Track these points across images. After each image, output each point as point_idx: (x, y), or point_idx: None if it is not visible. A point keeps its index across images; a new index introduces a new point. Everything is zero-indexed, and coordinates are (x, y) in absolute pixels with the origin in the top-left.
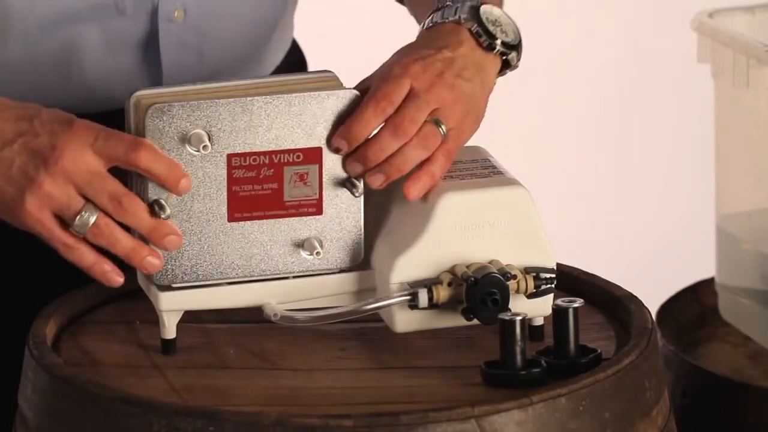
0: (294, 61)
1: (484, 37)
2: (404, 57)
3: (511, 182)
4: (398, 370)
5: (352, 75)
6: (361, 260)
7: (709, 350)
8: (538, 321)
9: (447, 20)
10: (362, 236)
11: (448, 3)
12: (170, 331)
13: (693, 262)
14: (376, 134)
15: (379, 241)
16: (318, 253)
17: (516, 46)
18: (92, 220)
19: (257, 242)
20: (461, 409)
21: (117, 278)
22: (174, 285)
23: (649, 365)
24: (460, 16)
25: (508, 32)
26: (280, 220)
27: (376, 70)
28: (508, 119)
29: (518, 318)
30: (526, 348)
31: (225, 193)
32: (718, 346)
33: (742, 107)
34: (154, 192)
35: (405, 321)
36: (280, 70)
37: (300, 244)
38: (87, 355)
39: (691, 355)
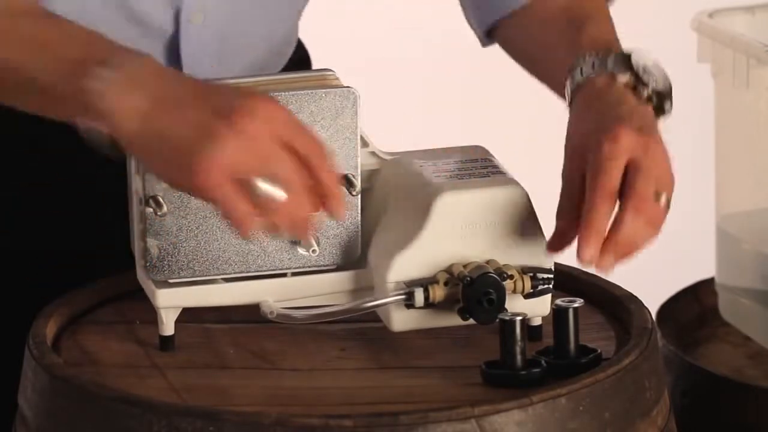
0: (299, 58)
1: (641, 90)
2: (600, 126)
3: (509, 182)
4: (398, 370)
5: (354, 73)
6: (357, 258)
7: (709, 350)
8: (536, 321)
9: (600, 74)
10: (359, 234)
11: (587, 55)
12: (168, 328)
13: (693, 262)
14: (618, 222)
15: (376, 240)
16: (314, 251)
17: (668, 94)
18: (270, 193)
19: (254, 239)
20: (461, 409)
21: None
22: (171, 281)
23: (649, 365)
24: (613, 69)
25: (658, 79)
26: None
27: (571, 152)
28: (509, 119)
29: (518, 318)
30: (525, 348)
31: None
32: (718, 346)
33: (742, 107)
34: (151, 188)
35: (402, 320)
36: (286, 68)
37: (297, 241)
38: (87, 355)
39: (691, 355)
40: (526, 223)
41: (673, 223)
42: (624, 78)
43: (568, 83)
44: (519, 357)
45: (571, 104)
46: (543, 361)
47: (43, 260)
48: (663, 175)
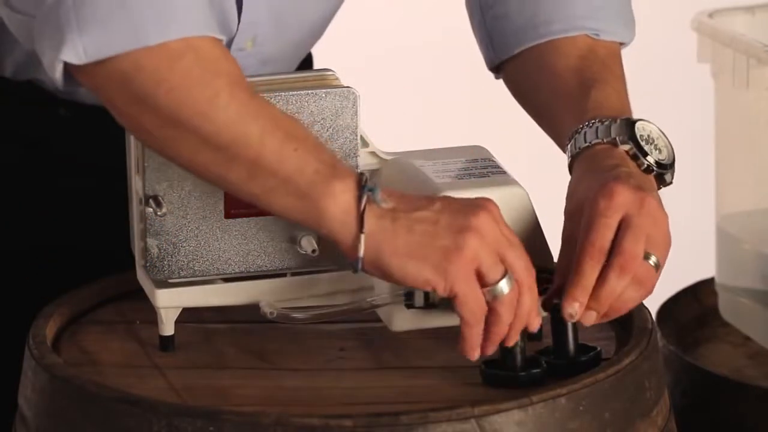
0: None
1: (641, 159)
2: (597, 185)
3: (510, 182)
4: (398, 370)
5: (354, 73)
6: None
7: (709, 350)
8: None
9: (603, 141)
10: None
11: (591, 121)
12: (168, 328)
13: (693, 262)
14: (602, 279)
15: None
16: (315, 251)
17: (670, 165)
18: (507, 289)
19: (254, 239)
20: (461, 409)
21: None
22: (171, 281)
23: (649, 365)
24: (616, 138)
25: (661, 149)
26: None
27: (570, 213)
28: (509, 119)
29: None
30: (525, 348)
31: (222, 190)
32: (718, 346)
33: (742, 107)
34: (151, 188)
35: (402, 320)
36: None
37: (297, 241)
38: (87, 355)
39: (691, 355)
40: (526, 223)
41: (673, 223)
42: (625, 147)
43: (569, 147)
44: (519, 357)
45: (572, 167)
46: (543, 361)
47: (43, 260)
48: (656, 235)
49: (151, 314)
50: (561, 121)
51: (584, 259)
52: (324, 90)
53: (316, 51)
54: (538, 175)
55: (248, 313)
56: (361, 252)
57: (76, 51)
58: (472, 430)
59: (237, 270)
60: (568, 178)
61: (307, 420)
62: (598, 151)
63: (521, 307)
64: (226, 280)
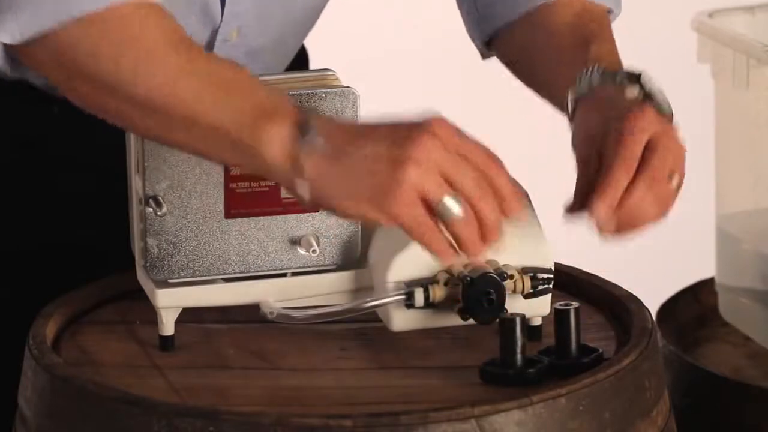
0: (297, 57)
1: (658, 104)
2: (616, 113)
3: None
4: (398, 370)
5: (354, 73)
6: (357, 258)
7: (709, 350)
8: (536, 321)
9: (602, 86)
10: (359, 234)
11: (594, 67)
12: (168, 328)
13: (693, 262)
14: (629, 191)
15: (375, 240)
16: (314, 251)
17: (670, 120)
18: (455, 209)
19: (254, 239)
20: (461, 409)
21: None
22: (171, 281)
23: (649, 365)
24: (621, 83)
25: (662, 104)
26: (277, 216)
27: (584, 138)
28: (508, 119)
29: (518, 317)
30: (525, 347)
31: (222, 190)
32: (718, 346)
33: (742, 107)
34: (151, 188)
35: (402, 320)
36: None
37: (297, 241)
38: (87, 355)
39: (691, 355)
40: (526, 223)
41: (673, 223)
42: (633, 92)
43: (570, 92)
44: (519, 356)
45: (573, 113)
46: (545, 360)
47: (43, 260)
48: (678, 158)
49: (151, 314)
50: (559, 74)
51: (617, 168)
52: (324, 90)
53: (316, 51)
54: (538, 175)
55: (248, 313)
56: (306, 196)
57: (11, 31)
58: (472, 430)
59: (237, 270)
60: (568, 178)
61: (307, 420)
62: (602, 95)
63: (482, 220)
64: (226, 280)
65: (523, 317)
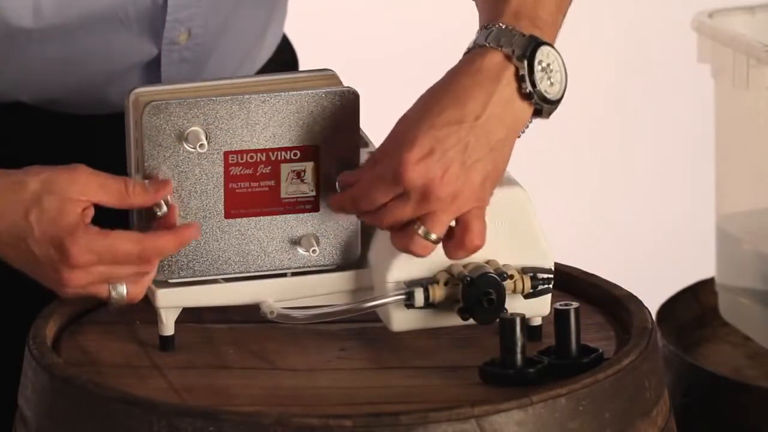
0: (286, 60)
1: (527, 85)
2: (408, 146)
3: (509, 182)
4: (398, 370)
5: (353, 73)
6: (357, 258)
7: (709, 350)
8: (536, 321)
9: (500, 48)
10: (359, 234)
11: (506, 24)
12: (168, 328)
13: (693, 262)
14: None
15: (375, 240)
16: (314, 251)
17: (556, 102)
18: (124, 292)
19: (254, 239)
20: (461, 409)
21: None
22: (171, 281)
23: (649, 365)
24: (514, 50)
25: (554, 83)
26: (277, 216)
27: (387, 141)
28: None
29: (518, 317)
30: (525, 347)
31: (222, 191)
32: (718, 346)
33: (742, 107)
34: None
35: (402, 320)
36: (272, 65)
37: (297, 241)
38: (87, 355)
39: (691, 355)
40: (526, 223)
41: (673, 223)
42: (516, 64)
43: (474, 39)
44: (519, 356)
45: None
46: (545, 360)
47: None
48: (437, 215)
49: (151, 314)
50: (479, 20)
51: (346, 194)
52: (324, 90)
53: (316, 51)
54: (538, 175)
55: (248, 313)
56: None
57: None
58: (472, 430)
59: (237, 270)
60: (568, 178)
61: (307, 420)
62: (478, 59)
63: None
64: (226, 280)
65: (523, 317)
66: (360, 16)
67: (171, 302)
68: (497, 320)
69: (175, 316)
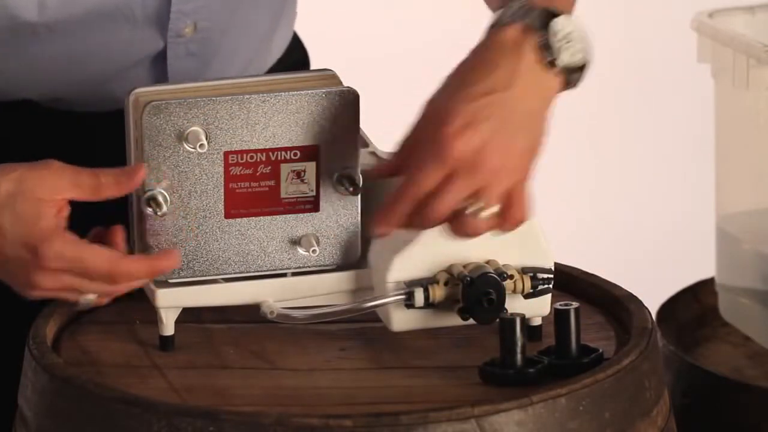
0: (297, 59)
1: (547, 54)
2: (446, 120)
3: None
4: (398, 370)
5: (354, 73)
6: (357, 258)
7: (709, 350)
8: (536, 321)
9: (515, 21)
10: (359, 234)
11: (521, 2)
12: (168, 328)
13: (693, 262)
14: (409, 220)
15: (376, 240)
16: (314, 251)
17: (580, 68)
18: (91, 299)
19: (254, 239)
20: (461, 409)
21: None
22: (171, 281)
23: (649, 365)
24: (531, 22)
25: (576, 51)
26: (277, 216)
27: (418, 125)
28: None
29: (518, 317)
30: (525, 347)
31: (222, 190)
32: (718, 346)
33: (742, 107)
34: (151, 187)
35: (402, 320)
36: (282, 65)
37: (297, 241)
38: (87, 355)
39: (691, 355)
40: (526, 223)
41: (673, 223)
42: (534, 36)
43: (490, 22)
44: (519, 356)
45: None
46: (545, 360)
47: None
48: (491, 187)
49: (151, 314)
50: (491, 6)
51: (398, 195)
52: (324, 90)
53: (316, 51)
54: (538, 175)
55: (248, 313)
56: None
57: None
58: (472, 430)
59: (237, 270)
60: (568, 178)
61: (307, 420)
62: (502, 35)
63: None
64: (226, 280)
65: (523, 317)
66: (360, 16)
67: (171, 302)
68: (497, 320)
69: (175, 316)
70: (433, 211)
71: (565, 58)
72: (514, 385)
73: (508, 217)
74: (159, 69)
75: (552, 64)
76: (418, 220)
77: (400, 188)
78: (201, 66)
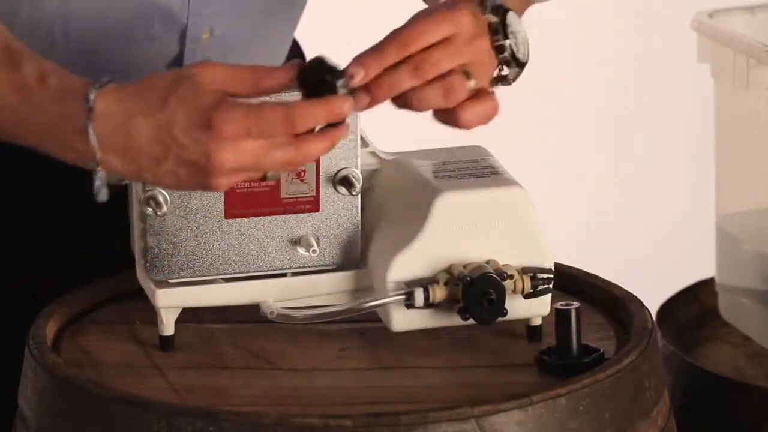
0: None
1: (499, 35)
2: (458, 3)
3: (509, 182)
4: (398, 370)
5: None
6: (357, 258)
7: (709, 350)
8: (536, 321)
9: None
10: (359, 234)
11: None
12: (168, 328)
13: (693, 262)
14: (392, 67)
15: (376, 240)
16: (314, 251)
17: (520, 65)
18: (274, 175)
19: (254, 239)
20: (461, 409)
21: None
22: (171, 281)
23: (649, 365)
24: (487, 5)
25: (521, 49)
26: (277, 216)
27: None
28: (508, 119)
29: (573, 308)
30: (581, 336)
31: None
32: (718, 346)
33: (742, 107)
34: (151, 187)
35: (402, 320)
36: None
37: (296, 241)
38: (87, 355)
39: (691, 355)
40: (526, 223)
41: (673, 223)
42: (489, 18)
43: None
44: (575, 346)
45: None
46: (601, 350)
47: (43, 260)
48: (480, 66)
49: (151, 314)
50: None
51: (388, 36)
52: None
53: (316, 51)
54: (538, 175)
55: (248, 313)
56: (103, 195)
57: None
58: (472, 430)
59: (237, 270)
60: (568, 178)
61: (307, 420)
62: (457, 4)
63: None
64: (226, 280)
65: (578, 308)
66: (360, 16)
67: (171, 302)
68: (498, 320)
69: (175, 316)
70: (427, 63)
71: (511, 43)
72: (569, 375)
73: (480, 103)
74: None
75: (501, 48)
76: (406, 73)
77: (391, 32)
78: None
